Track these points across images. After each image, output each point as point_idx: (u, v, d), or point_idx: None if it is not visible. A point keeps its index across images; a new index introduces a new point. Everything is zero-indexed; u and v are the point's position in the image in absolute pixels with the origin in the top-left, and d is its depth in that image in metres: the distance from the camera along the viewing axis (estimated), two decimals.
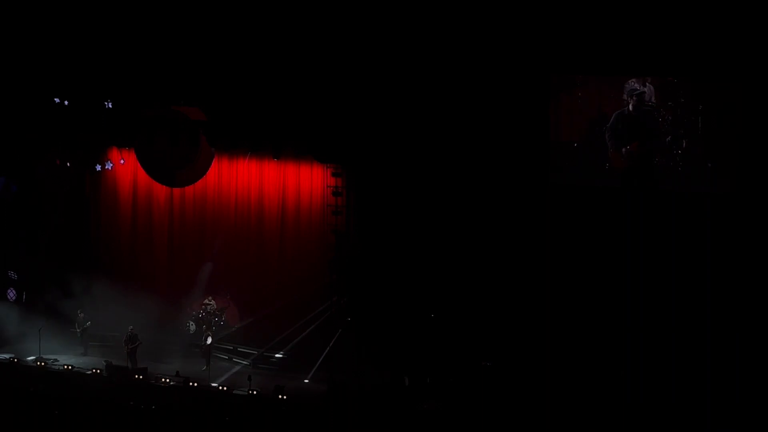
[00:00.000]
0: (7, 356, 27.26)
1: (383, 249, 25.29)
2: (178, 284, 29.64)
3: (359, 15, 23.44)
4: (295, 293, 27.79)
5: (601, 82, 21.90)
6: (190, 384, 24.92)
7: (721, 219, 20.99)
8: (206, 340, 26.92)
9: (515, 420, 22.25)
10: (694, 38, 20.45)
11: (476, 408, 22.72)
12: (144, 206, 30.69)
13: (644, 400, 21.76)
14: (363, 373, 24.57)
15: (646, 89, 21.34)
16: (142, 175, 29.92)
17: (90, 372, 26.18)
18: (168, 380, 25.17)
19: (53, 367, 26.65)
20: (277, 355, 27.26)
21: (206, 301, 29.07)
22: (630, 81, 21.49)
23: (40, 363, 26.66)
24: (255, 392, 24.30)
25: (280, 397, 23.77)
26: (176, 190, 30.06)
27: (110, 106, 26.99)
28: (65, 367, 26.48)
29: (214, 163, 28.84)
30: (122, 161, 30.24)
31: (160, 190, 30.27)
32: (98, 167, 29.94)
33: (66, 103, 27.19)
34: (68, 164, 29.88)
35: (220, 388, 24.91)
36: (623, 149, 21.72)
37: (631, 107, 21.51)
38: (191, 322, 28.64)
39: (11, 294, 29.83)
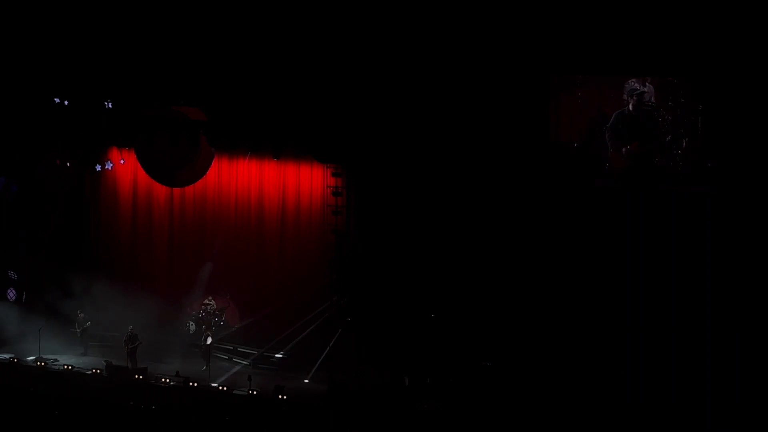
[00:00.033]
0: (7, 356, 27.26)
1: (383, 249, 25.28)
2: (178, 284, 29.64)
3: (359, 15, 23.43)
4: (295, 293, 27.79)
5: (601, 82, 21.90)
6: (190, 384, 24.92)
7: (721, 219, 20.99)
8: (206, 340, 26.92)
9: (515, 420, 22.24)
10: (694, 38, 20.45)
11: (476, 408, 22.72)
12: (144, 206, 30.69)
13: (644, 400, 21.76)
14: (363, 373, 24.56)
15: (646, 89, 21.34)
16: (142, 175, 29.92)
17: (90, 372, 26.18)
18: (168, 380, 25.17)
19: (53, 367, 26.65)
20: (277, 355, 27.26)
21: (206, 301, 29.07)
22: (630, 81, 21.50)
23: (40, 363, 26.66)
24: (255, 392, 24.29)
25: (280, 397, 23.77)
26: (176, 190, 30.06)
27: (110, 106, 26.99)
28: (65, 367, 26.48)
29: (214, 163, 28.84)
30: (122, 161, 30.24)
31: (160, 190, 30.27)
32: (98, 167, 29.94)
33: (66, 103, 27.18)
34: (68, 164, 29.89)
35: (220, 388, 24.91)
36: (623, 149, 21.72)
37: (631, 107, 21.51)
38: (191, 322, 28.64)
39: (11, 294, 29.84)
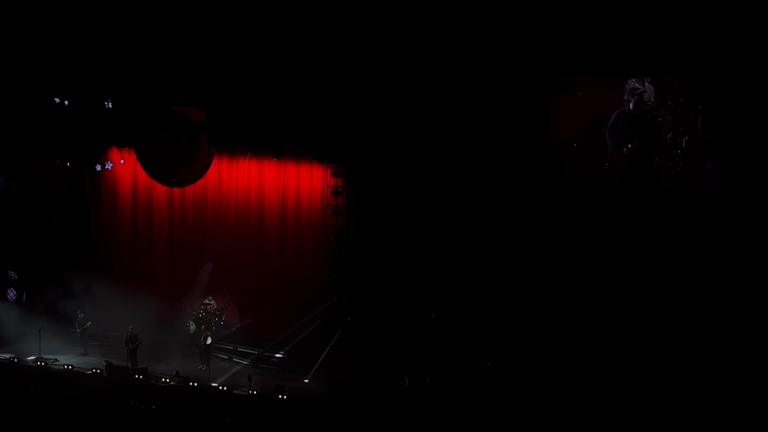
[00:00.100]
0: (7, 356, 27.27)
1: (383, 249, 25.29)
2: (178, 284, 29.64)
3: (359, 15, 23.43)
4: (295, 293, 27.79)
5: (601, 82, 21.90)
6: (190, 384, 24.92)
7: (721, 219, 20.98)
8: (206, 340, 26.91)
9: (515, 420, 22.24)
10: (694, 38, 20.45)
11: (476, 408, 22.72)
12: (144, 206, 30.69)
13: (644, 400, 21.76)
14: (363, 373, 24.57)
15: (646, 89, 21.34)
16: (142, 175, 29.92)
17: (90, 372, 26.19)
18: (168, 380, 25.18)
19: (53, 367, 26.66)
20: (277, 355, 27.26)
21: (206, 301, 29.08)
22: (630, 81, 21.50)
23: (41, 363, 26.67)
24: (255, 392, 24.30)
25: (280, 397, 23.78)
26: (176, 190, 30.06)
27: (110, 106, 26.99)
28: (65, 367, 26.48)
29: (214, 163, 28.84)
30: (122, 161, 30.24)
31: (160, 190, 30.27)
32: (98, 167, 29.94)
33: (66, 103, 27.18)
34: (68, 164, 29.89)
35: (220, 388, 24.91)
36: (624, 149, 21.72)
37: (631, 106, 21.51)
38: (191, 322, 28.65)
39: (11, 294, 29.84)
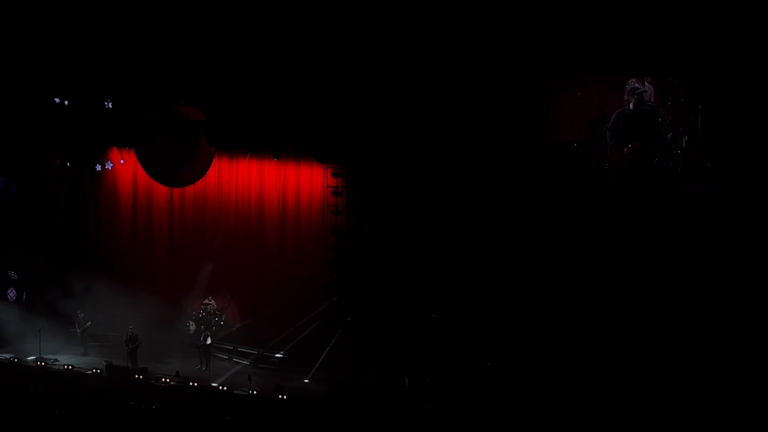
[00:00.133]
0: (7, 356, 27.26)
1: (383, 249, 25.29)
2: (178, 284, 29.63)
3: (359, 15, 23.43)
4: (295, 293, 27.79)
5: (601, 82, 21.90)
6: (190, 384, 24.92)
7: (721, 219, 20.98)
8: (205, 340, 26.90)
9: (515, 420, 22.24)
10: (694, 38, 20.45)
11: (476, 408, 22.72)
12: (144, 206, 30.68)
13: (644, 400, 21.76)
14: (363, 373, 24.56)
15: (646, 89, 21.34)
16: (142, 175, 29.92)
17: (90, 372, 26.18)
18: (168, 380, 25.17)
19: (53, 367, 26.65)
20: (277, 355, 27.25)
21: (206, 301, 29.07)
22: (630, 81, 21.50)
23: (41, 363, 26.66)
24: (255, 392, 24.30)
25: (280, 397, 23.77)
26: (176, 190, 30.06)
27: (110, 106, 26.98)
28: (65, 367, 26.47)
29: (214, 163, 28.84)
30: (122, 161, 30.24)
31: (160, 190, 30.27)
32: (98, 167, 29.92)
33: (66, 103, 27.18)
34: (68, 164, 29.87)
35: (220, 388, 24.91)
36: (625, 149, 21.72)
37: (631, 106, 21.51)
38: (191, 322, 28.64)
39: (11, 294, 29.83)
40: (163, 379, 25.24)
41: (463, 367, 23.78)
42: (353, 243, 26.27)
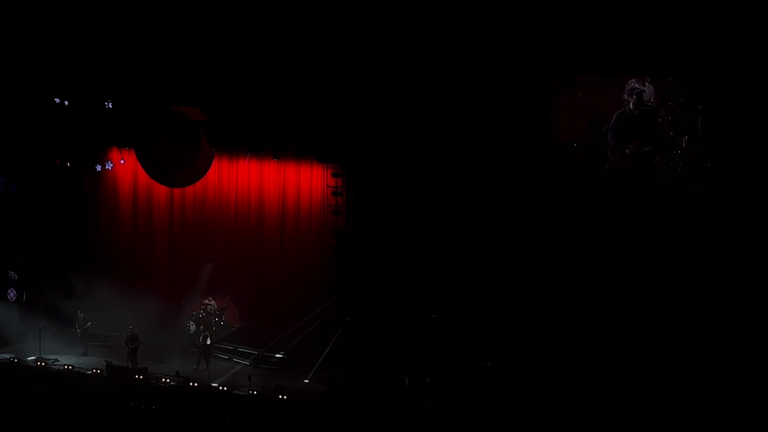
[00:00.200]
0: (7, 356, 27.26)
1: (383, 249, 25.29)
2: (178, 284, 29.65)
3: (359, 15, 23.43)
4: (295, 293, 27.80)
5: (601, 82, 21.90)
6: (190, 384, 24.92)
7: (721, 219, 20.98)
8: (205, 341, 26.89)
9: (515, 420, 22.24)
10: (694, 38, 20.44)
11: (476, 408, 22.72)
12: (144, 206, 30.69)
13: (644, 400, 21.76)
14: (363, 373, 24.56)
15: (645, 89, 21.34)
16: (142, 175, 29.93)
17: (90, 372, 26.18)
18: (168, 380, 25.17)
19: (53, 367, 26.65)
20: (277, 355, 27.25)
21: (206, 301, 29.08)
22: (630, 81, 21.50)
23: (41, 363, 26.66)
24: (255, 392, 24.29)
25: (280, 397, 23.77)
26: (176, 190, 30.07)
27: (110, 106, 26.98)
28: (65, 367, 26.47)
29: (214, 163, 28.85)
30: (122, 161, 30.25)
31: (160, 190, 30.28)
32: (98, 167, 29.95)
33: (66, 103, 27.18)
34: (68, 164, 29.88)
35: (220, 388, 24.90)
36: (626, 149, 21.71)
37: (631, 105, 21.51)
38: (191, 322, 28.65)
39: (11, 294, 29.84)
40: (163, 379, 25.24)
41: (463, 367, 23.78)
42: (353, 243, 26.27)
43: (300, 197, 28.68)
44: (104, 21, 25.68)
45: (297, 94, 24.75)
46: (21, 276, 29.93)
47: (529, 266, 22.93)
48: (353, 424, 22.50)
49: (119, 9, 25.45)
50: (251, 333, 28.55)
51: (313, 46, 24.15)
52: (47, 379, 25.53)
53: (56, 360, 26.98)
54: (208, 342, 26.84)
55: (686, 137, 21.01)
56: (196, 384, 24.97)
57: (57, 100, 27.16)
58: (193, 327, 28.47)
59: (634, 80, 21.45)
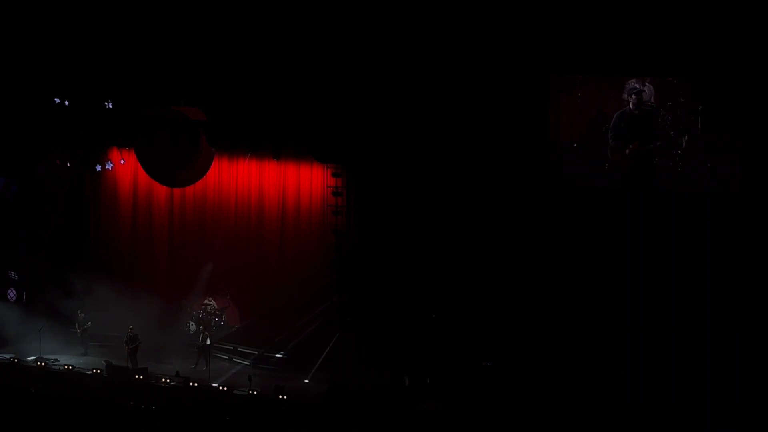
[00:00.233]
0: (7, 356, 27.26)
1: (383, 249, 25.28)
2: (178, 284, 29.65)
3: (359, 15, 23.43)
4: (295, 293, 27.80)
5: (601, 82, 21.90)
6: (190, 384, 24.91)
7: (721, 219, 20.98)
8: (204, 341, 26.88)
9: (515, 420, 22.24)
10: (694, 38, 20.44)
11: (476, 408, 22.72)
12: (144, 206, 30.69)
13: (644, 400, 21.76)
14: (363, 373, 24.56)
15: (645, 89, 21.34)
16: (142, 175, 29.93)
17: (90, 372, 26.18)
18: (168, 380, 25.17)
19: (53, 367, 26.65)
20: (277, 355, 27.25)
21: (206, 301, 29.08)
22: (630, 81, 21.50)
23: (41, 363, 26.66)
24: (255, 392, 24.29)
25: (280, 397, 23.77)
26: (176, 190, 30.07)
27: (110, 106, 26.98)
28: (65, 367, 26.47)
29: (214, 163, 28.85)
30: (122, 161, 30.26)
31: (160, 190, 30.28)
32: (98, 167, 29.96)
33: (66, 103, 27.18)
34: (68, 164, 29.89)
35: (220, 388, 24.90)
36: (627, 149, 21.71)
37: (631, 105, 21.51)
38: (191, 323, 28.65)
39: (11, 294, 29.84)
40: (163, 379, 25.24)
41: (463, 367, 23.78)
42: (353, 243, 26.27)
43: (300, 197, 28.68)
44: (104, 21, 25.67)
45: (297, 95, 24.75)
46: (21, 276, 29.94)
47: (529, 266, 22.93)
48: (353, 424, 22.50)
49: (119, 9, 25.44)
50: (251, 333, 28.55)
51: (313, 47, 24.15)
52: (47, 379, 25.53)
53: (56, 360, 26.98)
54: (208, 342, 26.83)
55: (686, 137, 21.01)
56: (196, 384, 24.97)
57: (57, 100, 27.16)
58: (193, 327, 28.47)
59: (634, 80, 21.45)
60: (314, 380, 25.70)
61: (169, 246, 30.50)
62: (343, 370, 24.73)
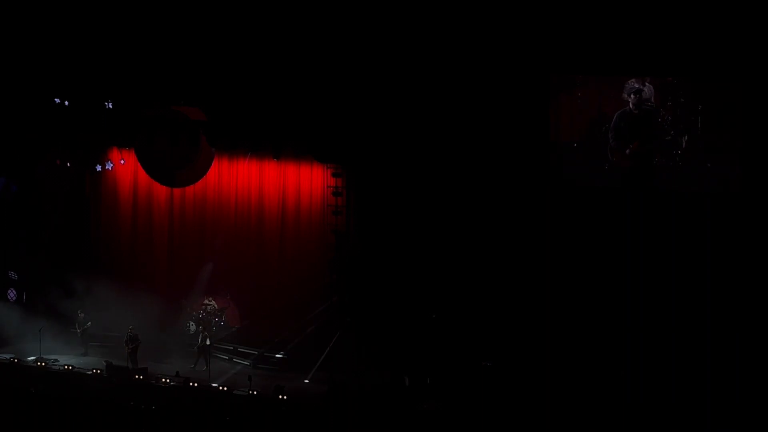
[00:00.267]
0: (7, 356, 27.26)
1: (383, 249, 25.29)
2: (178, 284, 29.65)
3: (359, 15, 23.43)
4: (295, 293, 27.81)
5: (601, 82, 21.90)
6: (190, 384, 24.91)
7: (721, 219, 20.98)
8: (204, 341, 26.87)
9: (515, 420, 22.24)
10: (694, 38, 20.44)
11: (476, 408, 22.71)
12: (144, 206, 30.69)
13: (644, 400, 21.76)
14: (363, 373, 24.56)
15: (645, 88, 21.35)
16: (142, 175, 29.93)
17: (90, 372, 26.18)
18: (168, 380, 25.17)
19: (53, 367, 26.65)
20: (277, 356, 27.24)
21: (206, 301, 29.08)
22: (630, 81, 21.50)
23: (41, 363, 26.66)
24: (255, 392, 24.28)
25: (280, 397, 23.76)
26: (176, 190, 30.07)
27: (110, 106, 26.98)
28: (65, 367, 26.47)
29: (214, 163, 28.85)
30: (122, 161, 30.26)
31: (160, 190, 30.28)
32: (98, 167, 29.96)
33: (66, 103, 27.17)
34: (68, 164, 29.89)
35: (220, 388, 24.89)
36: (627, 149, 21.70)
37: (631, 105, 21.51)
38: (191, 323, 28.64)
39: (11, 294, 29.84)
40: (163, 380, 25.24)
41: (463, 367, 23.77)
42: (353, 243, 26.27)
43: (300, 197, 28.68)
44: (104, 21, 25.66)
45: (297, 95, 24.75)
46: (21, 276, 29.94)
47: (529, 266, 22.93)
48: (353, 424, 22.50)
49: (119, 9, 25.44)
50: (251, 333, 28.55)
51: (313, 47, 24.14)
52: (47, 379, 25.53)
53: (56, 360, 26.98)
54: (207, 342, 26.83)
55: (686, 137, 21.01)
56: (196, 384, 24.97)
57: (57, 100, 27.15)
58: (193, 327, 28.46)
59: (634, 80, 21.45)
60: (314, 380, 25.70)
61: (169, 246, 30.50)
62: (343, 370, 24.73)
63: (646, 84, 21.32)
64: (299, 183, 28.67)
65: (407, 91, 23.52)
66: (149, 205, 30.64)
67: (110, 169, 30.22)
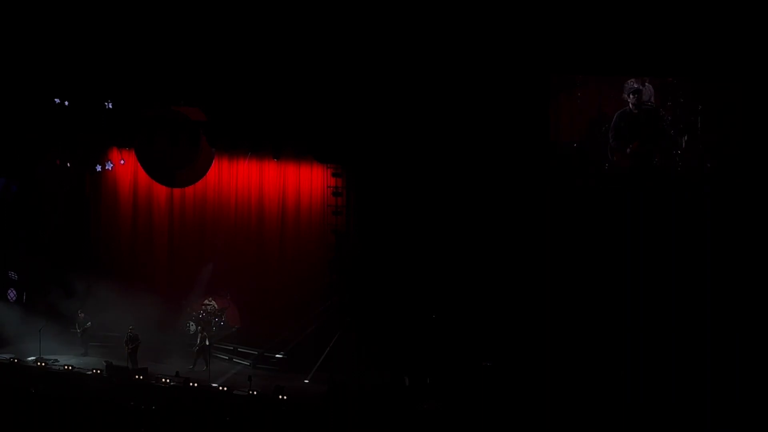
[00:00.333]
0: (7, 356, 27.25)
1: (383, 249, 25.28)
2: (178, 284, 29.64)
3: (359, 15, 23.43)
4: (295, 293, 27.80)
5: (600, 82, 21.91)
6: (190, 384, 24.90)
7: (721, 219, 20.99)
8: (203, 341, 26.85)
9: (515, 420, 22.24)
10: (694, 38, 20.46)
11: (476, 408, 22.71)
12: (144, 206, 30.69)
13: (644, 400, 21.76)
14: (363, 373, 24.55)
15: (645, 88, 21.35)
16: (142, 175, 29.92)
17: (90, 372, 26.16)
18: (168, 380, 25.15)
19: (53, 367, 26.63)
20: (277, 356, 27.23)
21: (206, 301, 29.07)
22: (630, 81, 21.51)
23: (41, 363, 26.64)
24: (255, 392, 24.27)
25: (280, 397, 23.75)
26: (176, 190, 30.06)
27: (110, 106, 26.97)
28: (65, 367, 26.46)
29: (214, 163, 28.84)
30: (122, 161, 30.26)
31: (160, 190, 30.28)
32: (98, 167, 29.96)
33: (66, 103, 27.17)
34: (68, 164, 29.88)
35: (220, 388, 24.87)
36: (627, 149, 21.71)
37: (631, 105, 21.52)
38: (191, 323, 28.64)
39: (12, 294, 29.83)
40: (163, 380, 25.22)
41: (463, 367, 23.77)
42: (353, 243, 26.27)
43: (300, 197, 28.69)
44: (104, 21, 25.66)
45: (297, 95, 24.75)
46: (21, 276, 29.93)
47: (529, 266, 22.93)
48: (353, 424, 22.49)
49: (119, 9, 25.44)
50: (251, 333, 28.54)
51: (313, 47, 24.14)
52: (47, 379, 25.51)
53: (56, 360, 26.97)
54: (207, 342, 26.82)
55: (686, 137, 21.02)
56: (196, 384, 24.95)
57: (57, 100, 27.15)
58: (193, 327, 28.45)
59: (634, 80, 21.46)
60: (314, 380, 25.69)
61: (169, 246, 30.49)
62: (343, 370, 24.73)
63: (646, 84, 21.33)
64: (299, 183, 28.68)
65: (407, 91, 23.53)
66: (149, 205, 30.64)
67: (110, 169, 30.22)
